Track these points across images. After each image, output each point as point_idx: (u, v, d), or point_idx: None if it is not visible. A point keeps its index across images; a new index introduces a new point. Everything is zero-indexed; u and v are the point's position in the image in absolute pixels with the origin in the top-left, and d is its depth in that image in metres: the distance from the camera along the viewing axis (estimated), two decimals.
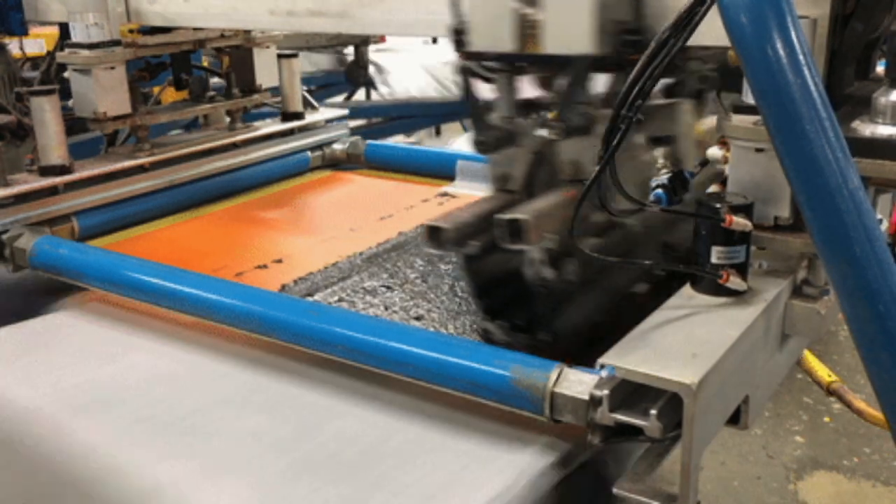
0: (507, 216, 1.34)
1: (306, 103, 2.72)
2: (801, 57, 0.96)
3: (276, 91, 2.65)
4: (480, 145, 1.48)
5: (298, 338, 1.48)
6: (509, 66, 1.49)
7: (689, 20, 1.17)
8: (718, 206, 1.26)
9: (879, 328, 0.96)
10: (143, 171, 2.26)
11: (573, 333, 1.44)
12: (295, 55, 2.67)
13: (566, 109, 1.38)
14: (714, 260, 1.29)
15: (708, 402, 1.12)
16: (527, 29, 1.39)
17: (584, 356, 1.28)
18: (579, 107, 1.39)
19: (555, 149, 1.45)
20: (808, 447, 3.51)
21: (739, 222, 1.25)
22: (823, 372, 3.37)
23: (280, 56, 2.63)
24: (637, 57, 1.27)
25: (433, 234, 1.39)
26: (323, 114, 2.76)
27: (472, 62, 1.48)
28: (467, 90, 1.49)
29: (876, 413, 3.05)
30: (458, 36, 1.46)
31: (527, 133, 1.46)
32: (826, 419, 3.70)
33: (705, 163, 1.43)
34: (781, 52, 0.96)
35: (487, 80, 1.52)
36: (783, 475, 3.34)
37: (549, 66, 1.44)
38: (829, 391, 3.29)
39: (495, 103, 1.52)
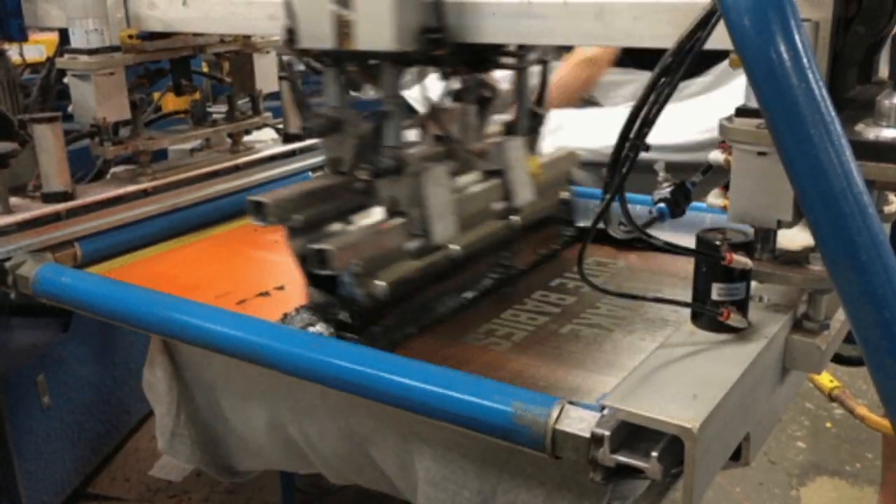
0: (316, 246, 1.53)
1: None
2: (804, 60, 0.95)
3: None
4: (305, 131, 1.71)
5: (299, 370, 1.49)
6: (335, 61, 1.67)
7: (692, 45, 1.17)
8: (718, 243, 1.26)
9: (885, 334, 0.95)
10: (146, 195, 2.25)
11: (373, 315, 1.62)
12: None
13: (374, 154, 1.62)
14: (714, 297, 1.29)
15: (709, 444, 1.11)
16: (342, 28, 1.58)
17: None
18: (388, 150, 1.63)
19: (378, 187, 1.66)
20: (810, 453, 3.50)
21: (739, 260, 1.25)
22: (825, 377, 3.36)
23: (282, 78, 2.63)
24: (442, 52, 1.54)
25: (256, 208, 1.56)
26: None
27: (302, 57, 1.70)
28: (294, 82, 1.75)
29: (878, 418, 3.04)
30: (290, 35, 1.64)
31: (353, 121, 1.65)
32: (828, 425, 3.69)
33: (708, 170, 1.42)
34: (785, 55, 0.95)
35: (318, 72, 1.71)
36: (785, 481, 3.33)
37: (364, 61, 1.65)
38: (831, 397, 3.28)
39: (324, 93, 1.73)
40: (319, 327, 1.64)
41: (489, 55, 1.83)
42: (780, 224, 1.31)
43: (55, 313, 2.87)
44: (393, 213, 1.69)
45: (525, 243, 2.01)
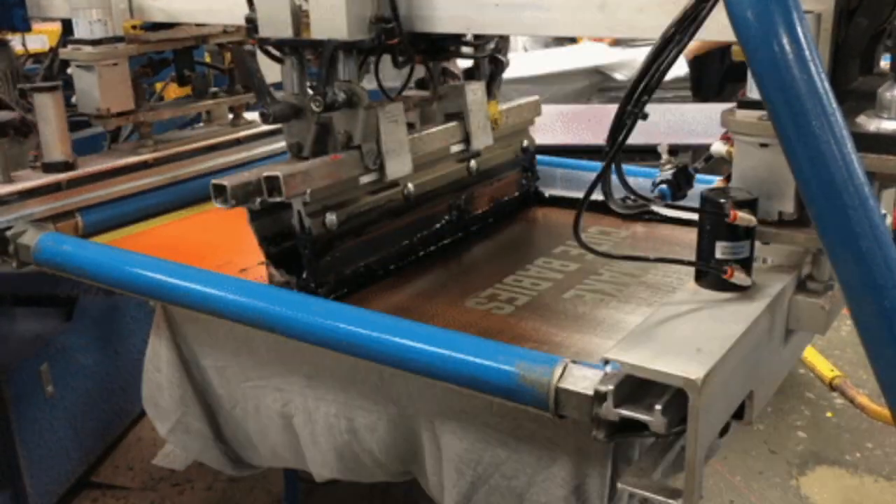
0: (266, 173, 1.57)
1: None
2: (806, 52, 0.96)
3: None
4: (263, 117, 1.70)
5: (304, 334, 1.49)
6: (293, 50, 1.72)
7: (694, 17, 1.17)
8: (723, 201, 1.25)
9: (885, 324, 0.96)
10: (147, 167, 2.25)
11: (335, 278, 1.68)
12: None
13: (327, 87, 1.64)
14: (718, 255, 1.28)
15: (713, 398, 1.11)
16: (301, 18, 1.65)
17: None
18: (341, 84, 1.65)
19: (332, 120, 1.68)
20: (811, 442, 3.51)
21: (744, 217, 1.24)
22: (825, 367, 3.38)
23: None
24: (394, 41, 1.61)
25: (218, 191, 1.57)
26: None
27: (262, 46, 1.73)
28: (251, 70, 1.78)
29: (878, 408, 3.06)
30: (251, 24, 1.71)
31: (310, 108, 1.68)
32: (828, 414, 3.70)
33: (710, 158, 1.43)
34: (787, 47, 0.96)
35: (279, 60, 1.75)
36: (785, 470, 3.34)
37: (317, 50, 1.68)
38: (832, 386, 3.30)
39: (284, 81, 1.76)
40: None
41: (447, 44, 1.86)
42: (782, 215, 1.31)
43: (58, 303, 2.89)
44: (347, 146, 1.70)
45: (483, 187, 2.05)
